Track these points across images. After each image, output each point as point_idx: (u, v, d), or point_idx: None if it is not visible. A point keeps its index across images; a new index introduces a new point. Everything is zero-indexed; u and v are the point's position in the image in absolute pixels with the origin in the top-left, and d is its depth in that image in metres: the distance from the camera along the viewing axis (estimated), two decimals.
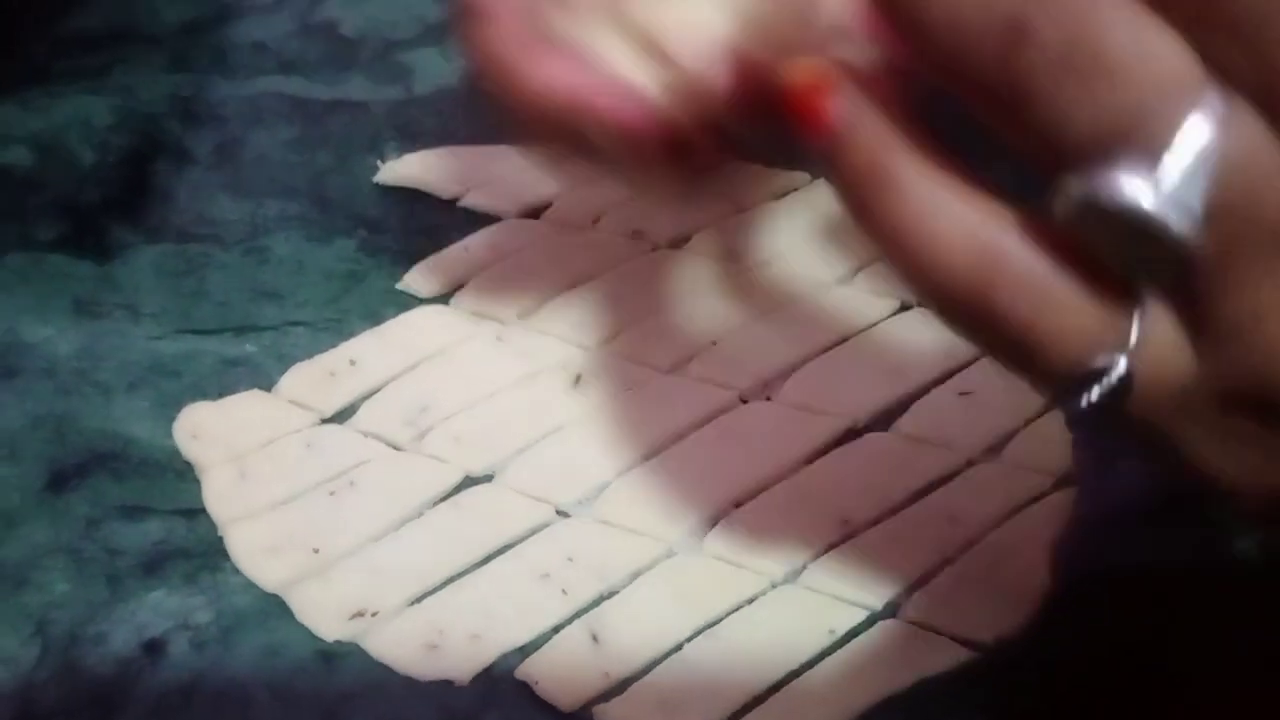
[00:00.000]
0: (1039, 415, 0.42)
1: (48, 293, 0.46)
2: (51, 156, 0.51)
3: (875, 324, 0.45)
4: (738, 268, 0.47)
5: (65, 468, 0.40)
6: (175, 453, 0.41)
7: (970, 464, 0.40)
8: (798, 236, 0.48)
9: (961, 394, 0.42)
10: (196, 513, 0.39)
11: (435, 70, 0.56)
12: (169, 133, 0.53)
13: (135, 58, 0.57)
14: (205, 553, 0.38)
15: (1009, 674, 0.35)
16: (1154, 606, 0.37)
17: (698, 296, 0.46)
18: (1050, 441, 0.41)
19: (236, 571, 0.38)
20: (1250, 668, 0.37)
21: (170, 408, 0.42)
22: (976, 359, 0.43)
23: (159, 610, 0.37)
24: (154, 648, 0.36)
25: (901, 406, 0.42)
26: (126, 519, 0.39)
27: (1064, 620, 0.37)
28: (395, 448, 0.41)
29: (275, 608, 0.37)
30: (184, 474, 0.40)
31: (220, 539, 0.38)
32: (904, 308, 0.45)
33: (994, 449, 0.41)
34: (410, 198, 0.50)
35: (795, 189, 0.50)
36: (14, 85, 0.54)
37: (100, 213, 0.49)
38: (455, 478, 0.40)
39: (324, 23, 0.59)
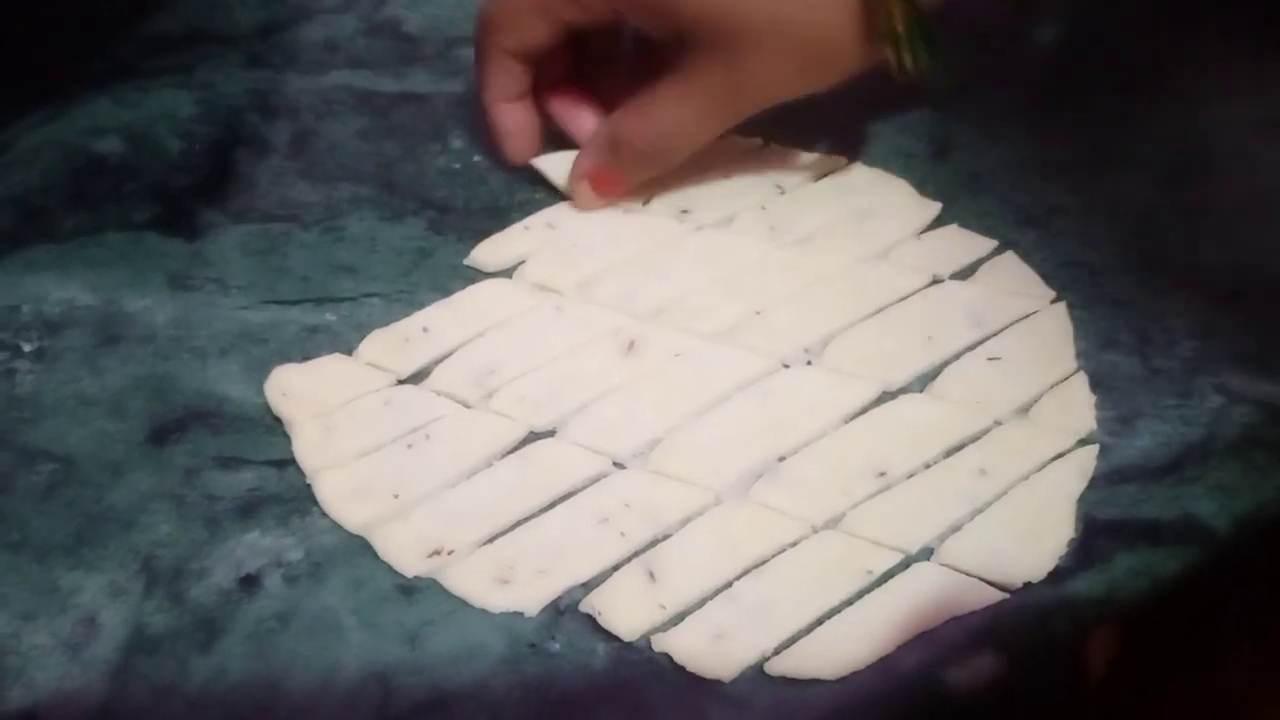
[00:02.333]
0: (1064, 379, 0.44)
1: (144, 268, 0.49)
2: (142, 145, 0.55)
3: (908, 295, 0.47)
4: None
5: (165, 423, 0.44)
6: (265, 410, 0.44)
7: (999, 423, 0.43)
8: (836, 215, 0.51)
9: (990, 360, 0.45)
10: (286, 463, 0.42)
11: None
12: (248, 124, 0.56)
13: (215, 56, 0.60)
14: (295, 498, 0.41)
15: (1035, 614, 0.38)
16: (1167, 557, 0.39)
17: (741, 269, 0.49)
18: (1074, 403, 0.44)
19: (323, 515, 0.41)
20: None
21: (259, 370, 0.45)
22: (1005, 328, 0.46)
23: (254, 549, 0.40)
24: (250, 581, 0.39)
25: (934, 371, 0.45)
26: (223, 468, 0.42)
27: (1085, 566, 0.39)
28: (466, 405, 0.44)
29: (359, 547, 0.40)
30: (273, 429, 0.44)
31: (308, 486, 0.42)
32: (935, 281, 0.48)
33: (1022, 409, 0.44)
34: (475, 181, 0.53)
35: (834, 172, 0.53)
36: (105, 81, 0.58)
37: (189, 196, 0.52)
38: (520, 433, 0.43)
39: (388, 21, 0.62)
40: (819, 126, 0.54)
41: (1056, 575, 0.39)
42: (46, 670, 0.37)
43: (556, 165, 0.51)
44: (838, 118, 0.55)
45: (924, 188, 0.52)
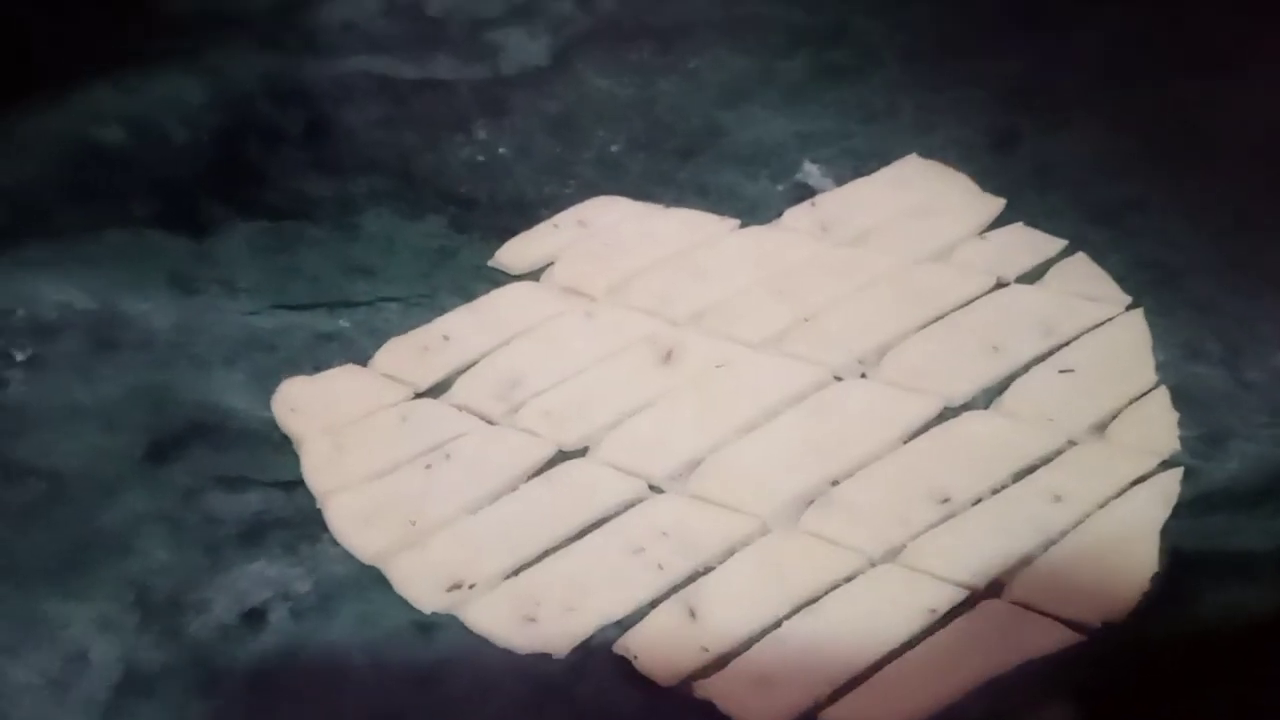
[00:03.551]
0: (1143, 394, 0.41)
1: (145, 268, 0.46)
2: (146, 135, 0.52)
3: (971, 301, 0.44)
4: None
5: (164, 438, 0.41)
6: (272, 425, 0.41)
7: (1073, 443, 0.40)
8: (891, 213, 0.47)
9: (1062, 372, 0.42)
10: (294, 484, 0.40)
11: (522, 50, 0.56)
12: (260, 111, 0.53)
13: (226, 39, 0.57)
14: (303, 523, 0.39)
15: (1115, 658, 0.35)
16: (1261, 593, 0.36)
17: (789, 271, 0.45)
18: (1155, 421, 0.40)
19: (334, 542, 0.38)
20: None
21: (266, 381, 0.42)
22: (1077, 337, 0.43)
23: (259, 579, 0.37)
24: (254, 616, 0.36)
25: (1001, 385, 0.41)
26: (225, 489, 0.39)
27: (1170, 604, 0.36)
28: (489, 421, 0.41)
29: (372, 578, 0.37)
30: (281, 446, 0.41)
31: (318, 510, 0.39)
32: (1000, 284, 0.45)
33: (1097, 428, 0.40)
34: (500, 174, 0.50)
35: (886, 164, 0.49)
36: (108, 66, 0.55)
37: (194, 189, 0.50)
38: (548, 452, 0.40)
39: (410, 2, 0.59)
40: (871, 117, 0.51)
41: (1138, 614, 0.36)
42: (31, 712, 0.34)
43: None
44: (895, 105, 0.52)
45: (986, 182, 0.48)
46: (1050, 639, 0.35)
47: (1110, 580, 0.36)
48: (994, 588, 0.36)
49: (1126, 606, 0.36)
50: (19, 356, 0.44)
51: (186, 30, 0.58)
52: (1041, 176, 0.49)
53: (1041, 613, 0.36)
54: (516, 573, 0.37)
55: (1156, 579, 0.36)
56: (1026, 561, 0.37)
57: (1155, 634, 0.35)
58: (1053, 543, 0.37)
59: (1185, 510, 0.38)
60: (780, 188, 0.49)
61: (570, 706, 0.34)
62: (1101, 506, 0.38)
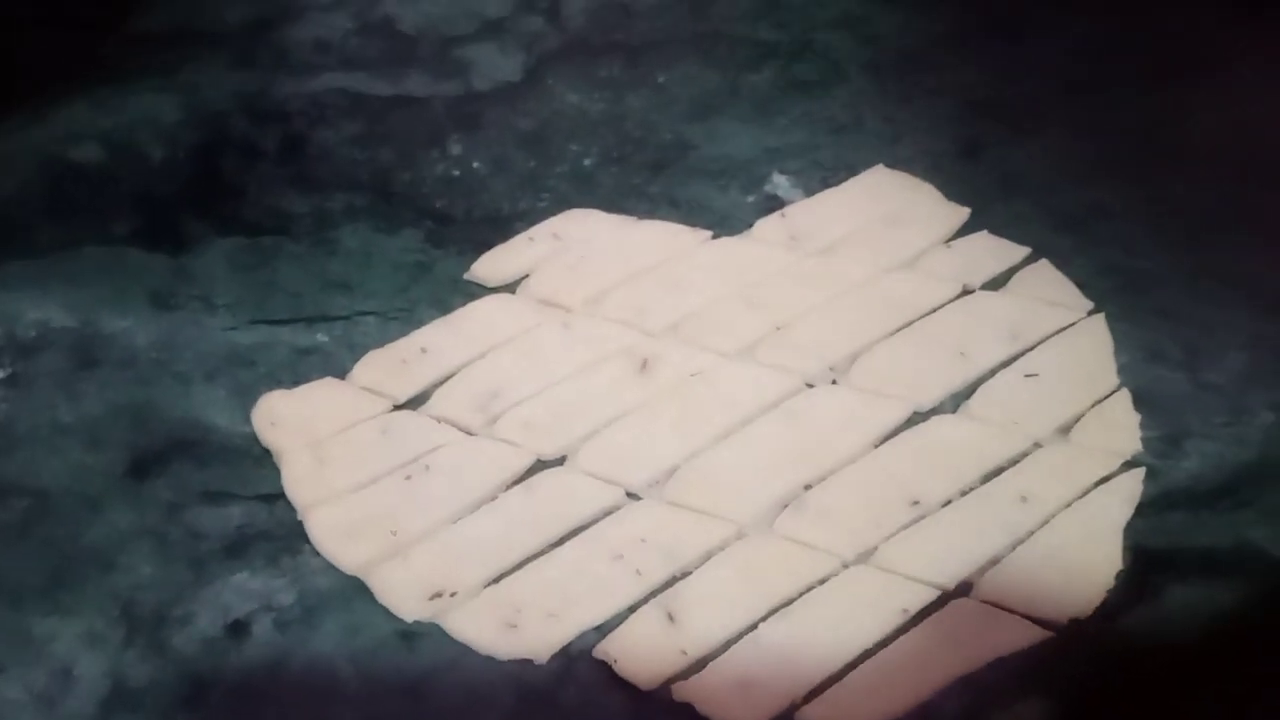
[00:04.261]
0: (1105, 397, 0.42)
1: (124, 285, 0.47)
2: (123, 153, 0.52)
3: (938, 308, 0.45)
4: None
5: (146, 455, 0.41)
6: (253, 439, 0.41)
7: (1038, 445, 0.40)
8: (859, 223, 0.48)
9: (1027, 376, 0.42)
10: (276, 497, 0.40)
11: (494, 65, 0.57)
12: (236, 129, 0.54)
13: (201, 57, 0.57)
14: (286, 536, 0.39)
15: (1082, 654, 0.35)
16: (1224, 588, 0.37)
17: (760, 281, 0.46)
18: (1117, 423, 0.41)
19: (316, 554, 0.38)
20: None
21: (247, 396, 0.43)
22: (1041, 342, 0.43)
23: (242, 592, 0.37)
24: (239, 628, 0.37)
25: (968, 390, 0.42)
26: (208, 504, 0.40)
27: (1135, 600, 0.36)
28: (468, 433, 0.42)
29: (355, 589, 0.38)
30: (262, 460, 0.41)
31: (300, 523, 0.39)
32: (965, 291, 0.45)
33: (1062, 430, 0.41)
34: (475, 188, 0.51)
35: (854, 175, 0.50)
36: (84, 84, 0.55)
37: (172, 207, 0.50)
38: (527, 461, 0.41)
39: (383, 20, 0.59)
40: (838, 130, 0.52)
41: (1105, 611, 0.36)
42: None
43: None
44: (861, 117, 0.53)
45: (951, 191, 0.49)
46: (1019, 636, 0.36)
47: (1077, 578, 0.37)
48: (964, 587, 0.37)
49: (1093, 603, 0.36)
50: (0, 374, 0.44)
51: (162, 49, 0.58)
52: (1006, 185, 0.49)
53: (1010, 611, 0.36)
54: (497, 581, 0.37)
55: (1121, 576, 0.37)
56: (995, 561, 0.38)
57: (1121, 629, 0.36)
58: (1020, 542, 0.38)
59: (1148, 508, 0.39)
60: (750, 199, 0.50)
61: (554, 712, 0.35)
62: (1067, 506, 0.39)
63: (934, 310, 0.45)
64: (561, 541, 0.38)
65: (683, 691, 0.35)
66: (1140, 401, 0.42)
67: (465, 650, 0.36)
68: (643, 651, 0.36)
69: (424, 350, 0.44)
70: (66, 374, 0.44)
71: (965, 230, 0.48)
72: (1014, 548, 0.38)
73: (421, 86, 0.56)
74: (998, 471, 0.40)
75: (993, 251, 0.47)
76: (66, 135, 0.53)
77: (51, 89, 0.55)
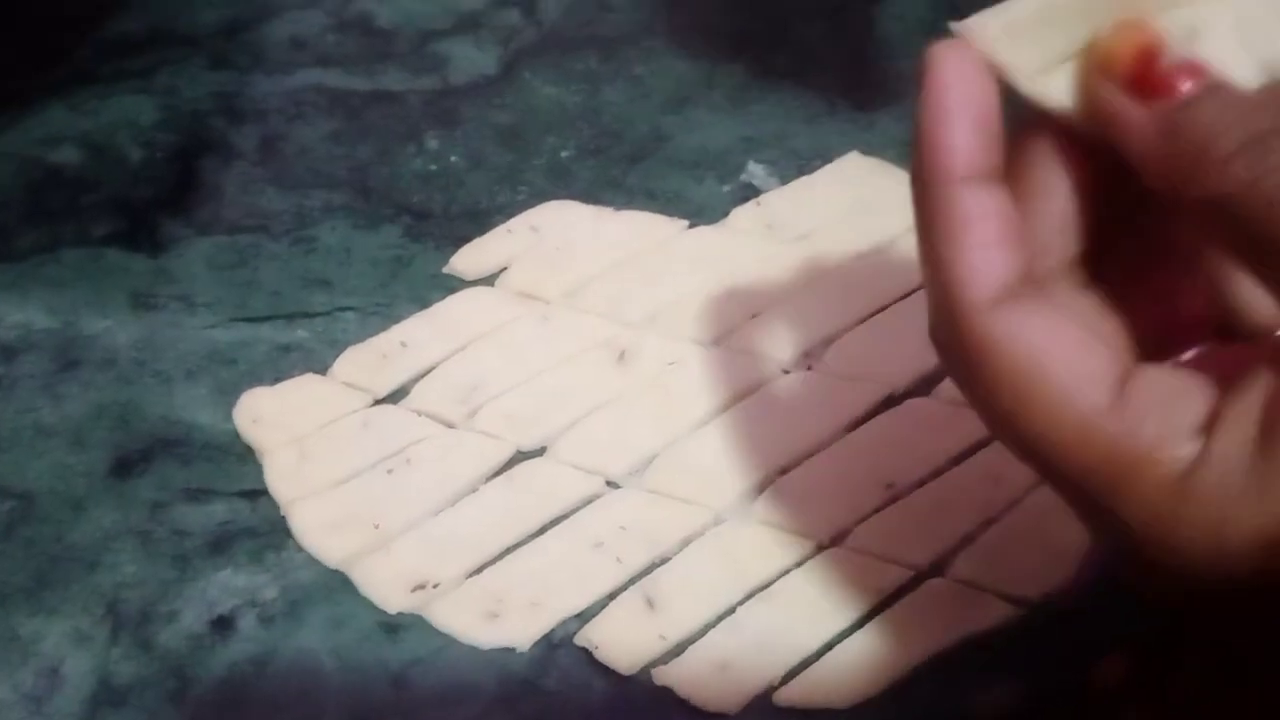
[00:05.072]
0: None
1: (105, 286, 0.47)
2: (101, 155, 0.52)
3: (911, 292, 0.45)
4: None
5: (129, 454, 0.41)
6: (236, 437, 0.42)
7: None
8: (834, 210, 0.49)
9: None
10: (259, 494, 0.40)
11: (470, 60, 0.57)
12: (214, 129, 0.54)
13: (177, 58, 0.57)
14: (269, 532, 0.39)
15: (1054, 630, 0.36)
16: None
17: (736, 270, 0.46)
18: None
19: (300, 549, 0.39)
20: None
21: (228, 394, 0.43)
22: None
23: (227, 588, 0.38)
24: (223, 624, 0.37)
25: (940, 373, 0.43)
26: (191, 501, 0.40)
27: (1106, 576, 0.37)
28: (448, 425, 0.42)
29: (339, 583, 0.38)
30: (245, 457, 0.41)
31: (283, 518, 0.40)
32: None
33: None
34: (453, 183, 0.51)
35: (828, 163, 0.51)
36: (62, 88, 0.55)
37: (151, 208, 0.50)
38: (507, 453, 0.41)
39: (359, 16, 0.60)
40: (813, 118, 0.53)
41: (1076, 587, 0.37)
42: None
43: None
44: (835, 104, 0.53)
45: None
46: (992, 614, 0.36)
47: (1048, 555, 0.37)
48: (937, 567, 0.38)
49: (1064, 580, 0.37)
50: None
51: (138, 50, 0.58)
52: None
53: (983, 589, 0.37)
54: (479, 571, 0.38)
55: (1092, 552, 0.37)
56: (969, 540, 0.38)
57: (1092, 606, 0.37)
58: (993, 521, 0.38)
59: None
60: (726, 189, 0.50)
61: (538, 698, 0.35)
62: (1038, 486, 0.39)
63: (907, 295, 0.45)
64: (542, 531, 0.39)
65: (663, 675, 0.35)
66: None
67: (449, 640, 0.36)
68: (623, 637, 0.36)
69: (404, 344, 0.44)
70: (49, 376, 0.44)
71: None
72: (987, 527, 0.38)
73: (398, 82, 0.56)
74: (970, 452, 0.40)
75: None
76: (45, 138, 0.53)
77: (28, 92, 0.55)
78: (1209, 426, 0.25)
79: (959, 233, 0.25)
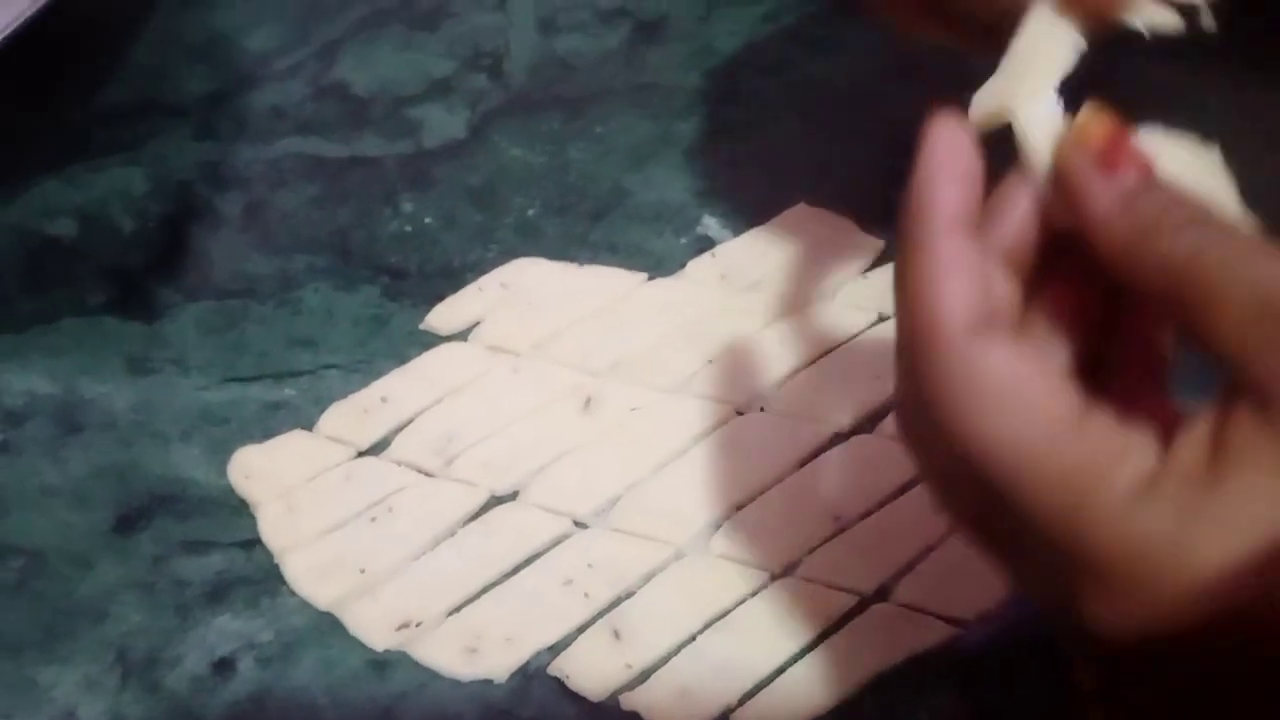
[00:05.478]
0: None
1: (102, 353, 0.50)
2: (95, 226, 0.55)
3: (856, 335, 0.48)
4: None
5: (130, 511, 0.44)
6: (230, 491, 0.45)
7: None
8: (783, 259, 0.52)
9: None
10: (253, 544, 0.43)
11: (442, 124, 0.60)
12: (200, 197, 0.56)
13: (165, 128, 0.60)
14: (264, 579, 0.42)
15: (991, 647, 0.39)
16: None
17: (694, 318, 0.49)
18: None
19: (292, 594, 0.42)
20: None
21: (221, 451, 0.46)
22: None
23: (225, 633, 0.41)
24: (224, 666, 0.40)
25: (884, 409, 0.46)
26: (190, 553, 0.43)
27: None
28: (427, 474, 0.45)
29: (329, 624, 0.41)
30: (239, 510, 0.44)
31: (276, 566, 0.42)
32: (881, 319, 0.49)
33: None
34: (427, 243, 0.54)
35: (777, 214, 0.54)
36: (57, 160, 0.58)
37: (144, 276, 0.53)
38: (482, 498, 0.44)
39: (336, 84, 0.62)
40: (765, 170, 0.55)
41: (1013, 604, 0.40)
42: None
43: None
44: (786, 157, 0.56)
45: (869, 224, 0.52)
46: (932, 635, 0.39)
47: (983, 578, 0.40)
48: (882, 592, 0.41)
49: (999, 598, 0.40)
50: None
51: (128, 122, 0.60)
52: None
53: (924, 612, 0.40)
54: (459, 610, 0.41)
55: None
56: (910, 567, 0.41)
57: (1030, 619, 0.39)
58: (933, 548, 0.41)
59: None
60: (683, 241, 0.53)
61: None
62: None
63: (852, 338, 0.48)
64: (516, 571, 0.42)
65: (630, 701, 0.38)
66: None
67: (432, 674, 0.39)
68: (592, 667, 0.39)
69: (384, 399, 0.47)
70: (52, 439, 0.47)
71: (880, 261, 0.51)
72: (927, 554, 0.41)
73: (374, 147, 0.59)
74: (912, 484, 0.43)
75: None
76: (42, 211, 0.56)
77: (24, 166, 0.58)
78: (1166, 445, 0.27)
79: (941, 272, 0.29)
